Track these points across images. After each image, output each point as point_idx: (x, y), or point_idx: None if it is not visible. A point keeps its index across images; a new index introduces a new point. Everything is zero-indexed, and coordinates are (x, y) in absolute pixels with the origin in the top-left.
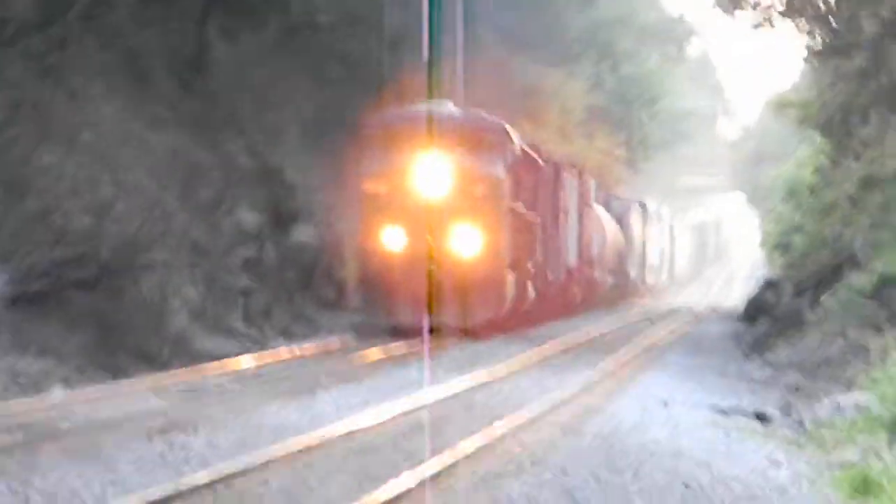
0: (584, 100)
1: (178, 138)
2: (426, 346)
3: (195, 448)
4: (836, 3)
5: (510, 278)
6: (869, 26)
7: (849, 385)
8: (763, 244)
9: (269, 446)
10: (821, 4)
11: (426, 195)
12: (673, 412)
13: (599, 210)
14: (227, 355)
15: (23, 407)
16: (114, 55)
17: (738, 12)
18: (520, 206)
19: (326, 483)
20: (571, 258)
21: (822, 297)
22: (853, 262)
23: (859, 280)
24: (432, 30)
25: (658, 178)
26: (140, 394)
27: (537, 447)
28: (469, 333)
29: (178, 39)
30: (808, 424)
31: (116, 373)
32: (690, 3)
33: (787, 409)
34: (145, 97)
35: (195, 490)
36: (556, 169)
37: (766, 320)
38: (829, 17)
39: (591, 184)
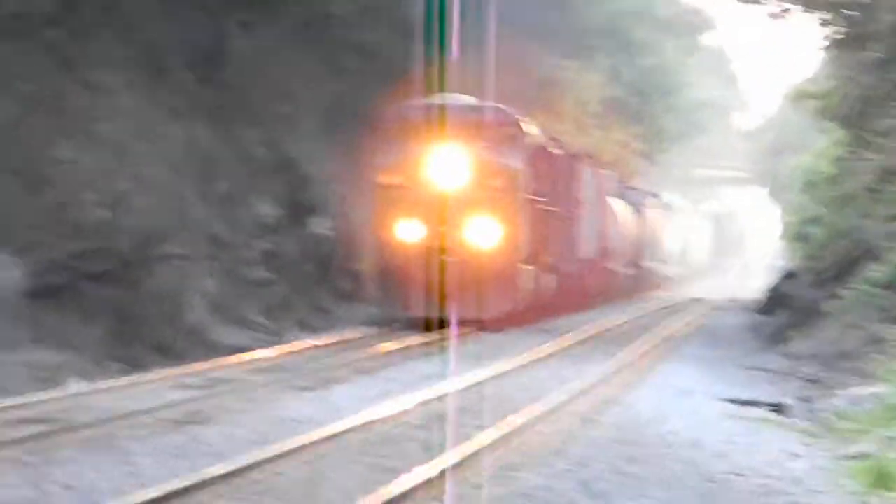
0: (601, 91)
1: (196, 130)
2: (453, 337)
3: (212, 440)
4: None
5: (527, 270)
6: (887, 17)
7: (866, 377)
8: (782, 235)
9: (287, 439)
10: None
11: (442, 187)
12: (691, 403)
13: (616, 201)
14: (245, 347)
15: (41, 399)
16: (131, 48)
17: (755, 3)
18: (537, 198)
19: (343, 474)
20: (588, 250)
21: (841, 289)
22: (872, 253)
23: (878, 272)
24: (447, 21)
25: (675, 170)
26: (157, 386)
27: (556, 438)
28: (486, 325)
29: (196, 32)
30: (825, 416)
31: (134, 365)
32: None
33: (804, 401)
34: (162, 89)
35: (212, 481)
36: (573, 160)
37: (784, 312)
38: (847, 7)
39: (608, 175)
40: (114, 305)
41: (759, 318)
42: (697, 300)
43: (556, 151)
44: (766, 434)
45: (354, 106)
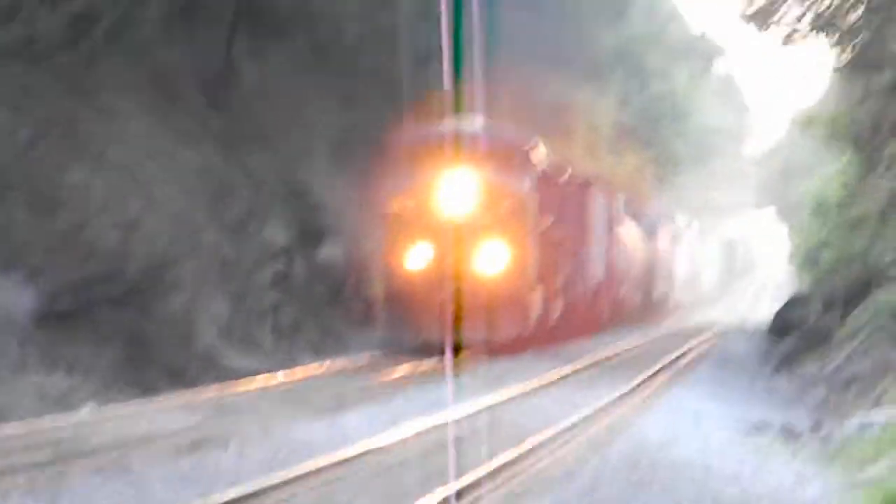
0: (613, 116)
1: (207, 155)
2: (462, 362)
3: (224, 464)
4: (866, 17)
5: (536, 295)
6: (894, 45)
7: (877, 401)
8: (791, 259)
9: (298, 463)
10: (850, 18)
11: (452, 212)
12: (702, 427)
13: (627, 226)
14: (256, 372)
15: (52, 424)
16: (142, 72)
17: (767, 28)
18: (546, 223)
19: (355, 499)
20: (598, 274)
21: (851, 313)
22: (882, 277)
23: (888, 296)
24: (460, 46)
25: (686, 195)
26: (169, 410)
27: (566, 463)
28: (495, 350)
29: (206, 57)
30: (836, 440)
31: (145, 389)
32: (716, 20)
33: (815, 425)
34: (174, 114)
35: None
36: (584, 185)
37: (795, 336)
38: (858, 31)
39: (619, 200)
40: (125, 329)
41: (769, 342)
42: (708, 324)
43: (566, 176)
44: (777, 459)
45: (366, 131)
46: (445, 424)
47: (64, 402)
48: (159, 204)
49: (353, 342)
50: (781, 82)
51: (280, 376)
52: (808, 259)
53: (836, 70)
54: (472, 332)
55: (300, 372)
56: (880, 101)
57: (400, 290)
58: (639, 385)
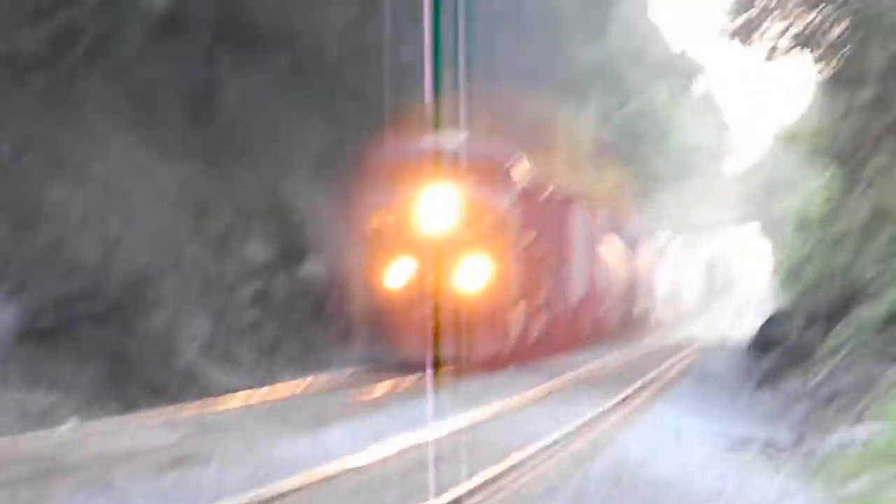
0: (593, 133)
1: (188, 172)
2: (444, 378)
3: (206, 481)
4: (848, 33)
5: (517, 312)
6: (876, 60)
7: (860, 417)
8: (774, 275)
9: (280, 480)
10: (833, 33)
11: (433, 228)
12: (684, 443)
13: (608, 242)
14: (237, 388)
15: (33, 441)
16: (123, 89)
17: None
18: (528, 239)
19: None
20: (580, 291)
21: (834, 329)
22: (864, 293)
23: (870, 311)
24: (440, 63)
25: (668, 211)
26: (151, 427)
27: (548, 478)
28: (476, 367)
29: (188, 73)
30: (819, 456)
31: (127, 406)
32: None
33: (798, 441)
34: (155, 130)
35: None
36: (565, 201)
37: (777, 351)
38: (841, 46)
39: (600, 216)
40: (107, 346)
41: (752, 357)
42: (689, 340)
43: (547, 192)
44: (760, 474)
45: (348, 147)
46: (428, 440)
47: (46, 419)
48: (140, 220)
49: (334, 359)
50: (764, 99)
51: (262, 392)
52: (790, 274)
53: (819, 85)
54: (454, 349)
55: (282, 387)
56: (863, 116)
57: (381, 306)
58: (621, 401)
